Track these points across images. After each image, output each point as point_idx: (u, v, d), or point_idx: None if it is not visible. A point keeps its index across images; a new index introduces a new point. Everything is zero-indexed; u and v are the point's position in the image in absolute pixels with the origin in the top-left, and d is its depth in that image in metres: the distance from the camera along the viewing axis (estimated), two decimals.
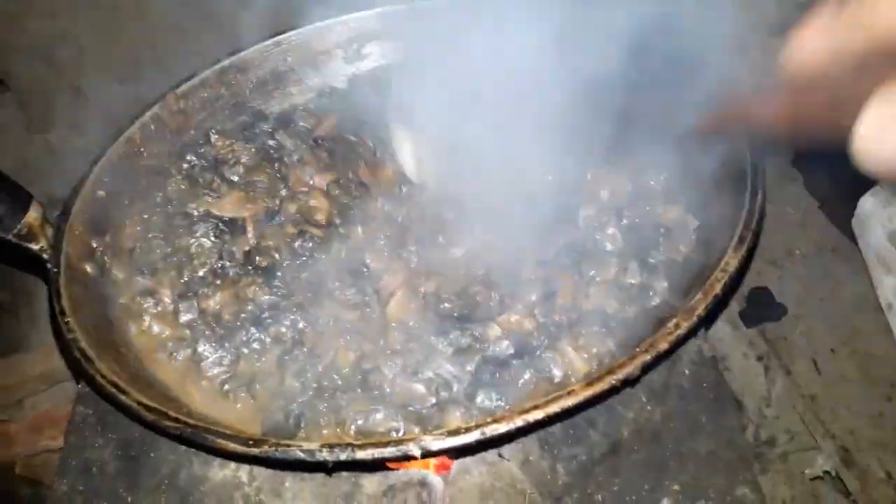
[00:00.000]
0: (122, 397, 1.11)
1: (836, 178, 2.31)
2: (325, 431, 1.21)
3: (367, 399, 1.22)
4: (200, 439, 1.04)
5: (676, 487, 1.23)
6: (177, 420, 1.06)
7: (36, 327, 2.61)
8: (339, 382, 1.27)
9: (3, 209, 1.29)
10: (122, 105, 2.37)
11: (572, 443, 1.25)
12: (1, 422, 2.28)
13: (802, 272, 2.23)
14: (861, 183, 2.12)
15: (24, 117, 2.63)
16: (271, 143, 1.61)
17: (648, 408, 1.30)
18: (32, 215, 1.34)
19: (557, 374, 1.20)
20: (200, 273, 1.46)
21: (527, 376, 1.21)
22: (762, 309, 2.16)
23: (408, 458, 0.98)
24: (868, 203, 2.05)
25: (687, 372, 1.35)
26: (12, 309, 2.54)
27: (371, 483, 1.27)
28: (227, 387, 1.31)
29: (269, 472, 1.28)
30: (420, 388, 1.20)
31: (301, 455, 0.99)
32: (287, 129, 1.65)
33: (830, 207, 2.34)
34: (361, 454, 0.98)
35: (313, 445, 0.99)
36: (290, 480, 1.28)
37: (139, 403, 1.10)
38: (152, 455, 1.31)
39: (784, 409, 2.03)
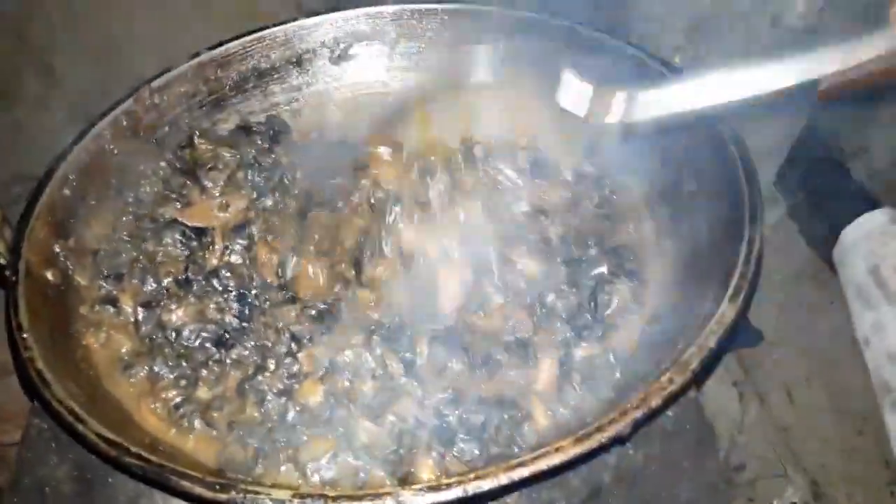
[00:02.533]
0: (80, 427, 1.04)
1: (818, 203, 2.30)
2: (283, 468, 1.15)
3: (331, 437, 1.17)
4: (164, 480, 0.98)
5: None
6: (139, 457, 1.00)
7: None
8: (303, 416, 1.21)
9: None
10: (92, 85, 2.30)
11: (551, 487, 1.21)
12: None
13: (780, 298, 2.22)
14: (843, 211, 2.11)
15: None
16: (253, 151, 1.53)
17: (630, 451, 1.26)
18: None
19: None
20: (165, 283, 1.39)
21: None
22: (738, 333, 2.14)
23: None
24: (851, 234, 2.03)
25: (670, 413, 1.31)
26: None
27: None
28: (181, 411, 1.25)
29: None
30: (383, 431, 1.15)
31: None
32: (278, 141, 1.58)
33: (810, 233, 2.33)
34: None
35: (284, 495, 0.94)
36: None
37: (98, 436, 1.03)
38: (110, 480, 1.24)
39: (756, 436, 2.02)
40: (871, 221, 1.97)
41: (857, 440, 1.95)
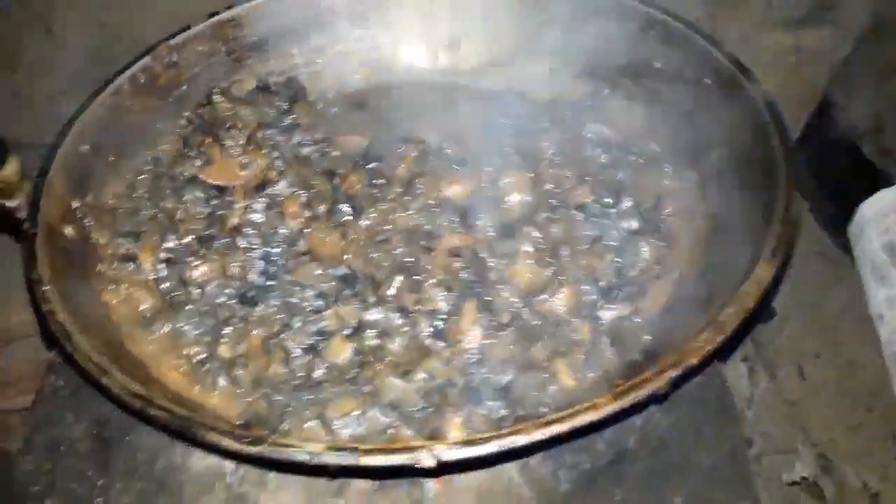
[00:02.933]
0: (105, 379, 1.02)
1: (830, 181, 2.29)
2: (309, 424, 1.14)
3: (357, 395, 1.15)
4: (190, 433, 0.96)
5: (679, 500, 1.19)
6: (165, 409, 0.98)
7: None
8: (331, 373, 1.19)
9: None
10: (94, 51, 2.26)
11: (576, 449, 1.20)
12: None
13: (790, 275, 2.21)
14: (855, 190, 2.10)
15: None
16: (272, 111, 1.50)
17: (657, 415, 1.25)
18: (10, 168, 1.23)
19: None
20: (186, 240, 1.37)
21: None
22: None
23: (418, 469, 0.91)
24: (867, 210, 2.02)
25: (696, 379, 1.31)
26: None
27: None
28: (205, 367, 1.23)
29: None
30: (412, 388, 1.13)
31: (303, 457, 0.92)
32: (297, 100, 1.55)
33: (821, 211, 2.32)
34: (367, 460, 0.91)
35: (317, 447, 0.92)
36: (274, 471, 1.21)
37: (123, 388, 1.01)
38: (128, 438, 1.23)
39: (765, 411, 2.02)
40: (887, 197, 1.96)
41: (866, 416, 1.94)
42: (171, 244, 1.35)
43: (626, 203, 1.36)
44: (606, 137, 1.56)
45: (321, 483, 1.19)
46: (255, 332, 1.25)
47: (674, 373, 0.97)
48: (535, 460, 1.20)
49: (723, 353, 1.03)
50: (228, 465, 1.20)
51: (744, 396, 2.05)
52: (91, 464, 1.23)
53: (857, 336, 2.03)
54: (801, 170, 2.34)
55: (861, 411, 1.96)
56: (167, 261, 1.33)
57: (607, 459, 1.21)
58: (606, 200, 1.37)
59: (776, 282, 1.07)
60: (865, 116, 2.46)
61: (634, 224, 1.35)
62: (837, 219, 2.11)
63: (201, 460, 1.20)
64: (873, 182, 2.16)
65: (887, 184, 2.14)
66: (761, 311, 1.05)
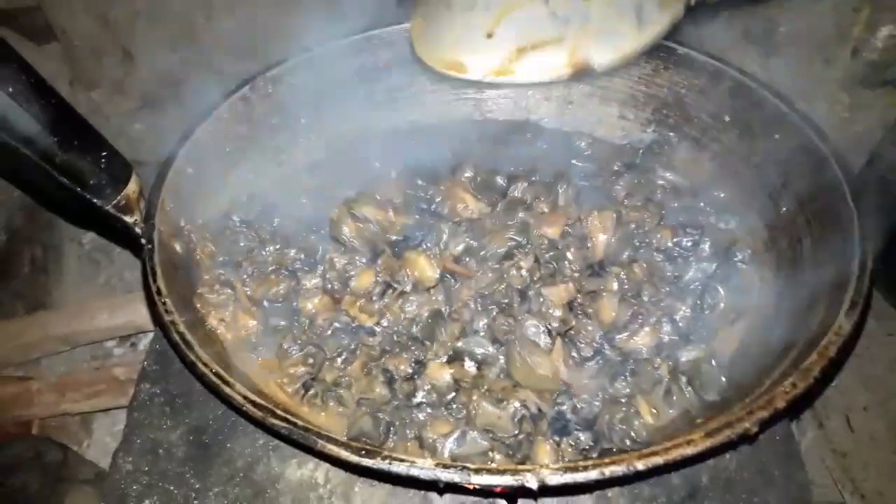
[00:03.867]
0: (227, 389, 1.09)
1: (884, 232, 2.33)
2: (410, 443, 1.20)
3: (452, 419, 1.21)
4: (310, 442, 1.02)
5: None
6: (286, 420, 1.05)
7: (61, 285, 2.57)
8: (431, 397, 1.26)
9: (106, 179, 1.25)
10: (167, 74, 2.37)
11: (653, 483, 1.25)
12: (22, 379, 2.24)
13: None
14: None
15: (70, 72, 2.60)
16: None
17: (727, 455, 1.30)
18: (132, 187, 1.31)
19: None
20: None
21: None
22: None
23: (524, 490, 0.97)
24: None
25: None
26: (42, 265, 2.50)
27: (443, 497, 1.26)
28: (312, 390, 1.30)
29: (344, 475, 1.27)
30: (505, 415, 1.19)
31: (416, 473, 0.98)
32: None
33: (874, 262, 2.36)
34: (477, 479, 0.97)
35: (429, 463, 0.98)
36: (359, 485, 1.27)
37: (245, 398, 1.08)
38: (228, 445, 1.29)
39: (812, 461, 2.05)
40: None
41: None
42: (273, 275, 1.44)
43: (705, 247, 1.42)
44: (676, 184, 1.64)
45: (403, 500, 1.25)
46: (357, 357, 1.33)
47: (763, 414, 1.03)
48: (613, 492, 1.25)
49: (807, 396, 1.08)
50: (321, 476, 1.27)
51: None
52: (189, 468, 1.29)
53: None
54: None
55: None
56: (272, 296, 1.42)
57: (681, 496, 1.26)
58: (687, 243, 1.43)
59: (856, 334, 1.13)
60: None
61: (712, 268, 1.40)
62: (887, 276, 2.14)
63: (296, 471, 1.27)
64: None
65: None
66: (842, 362, 1.10)
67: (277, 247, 1.47)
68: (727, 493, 1.27)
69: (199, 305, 1.35)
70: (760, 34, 2.06)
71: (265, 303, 1.41)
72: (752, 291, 1.42)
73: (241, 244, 1.48)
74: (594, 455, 1.16)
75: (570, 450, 1.17)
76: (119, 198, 1.29)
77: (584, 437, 1.17)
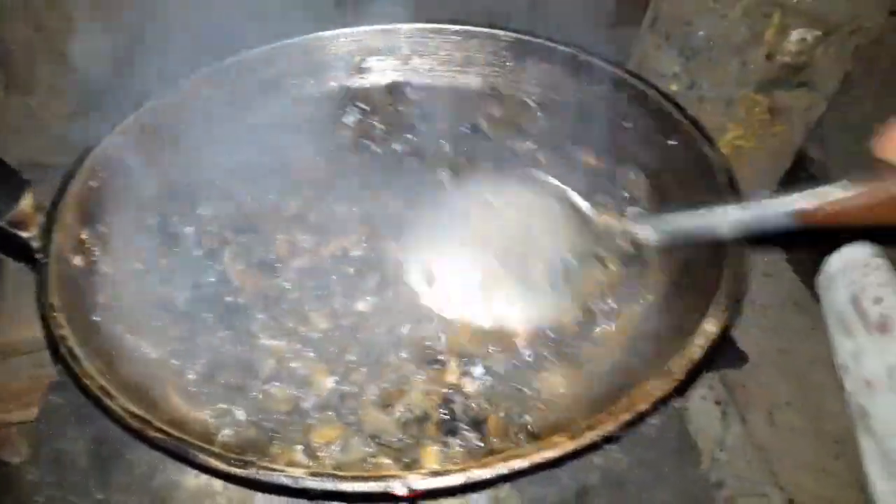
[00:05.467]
0: (109, 402, 1.11)
1: (806, 230, 2.38)
2: (296, 447, 1.23)
3: (341, 424, 1.24)
4: (184, 453, 1.05)
5: None
6: (163, 431, 1.07)
7: (2, 294, 2.56)
8: (315, 401, 1.28)
9: None
10: (107, 74, 2.36)
11: (543, 483, 1.29)
12: None
13: (764, 322, 2.30)
14: (829, 239, 2.20)
15: (4, 77, 2.58)
16: None
17: (616, 455, 1.34)
18: (27, 202, 1.32)
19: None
20: None
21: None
22: (724, 354, 2.22)
23: (391, 496, 1.00)
24: (835, 263, 2.11)
25: (654, 422, 1.40)
26: None
27: None
28: (205, 390, 1.32)
29: None
30: (391, 420, 1.22)
31: (285, 481, 1.01)
32: None
33: (796, 260, 2.42)
34: (345, 486, 1.00)
35: (298, 472, 1.01)
36: (260, 493, 1.29)
37: (125, 410, 1.10)
38: (126, 455, 1.31)
39: (736, 455, 2.09)
40: (854, 252, 2.05)
41: (834, 463, 2.02)
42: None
43: None
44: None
45: None
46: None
47: (625, 417, 1.06)
48: (503, 492, 1.29)
49: (670, 397, 1.12)
50: (218, 484, 1.29)
51: (717, 439, 2.12)
52: (91, 478, 1.31)
53: (826, 384, 2.11)
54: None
55: (828, 457, 2.04)
56: None
57: (570, 494, 1.29)
58: None
59: (723, 336, 1.17)
60: (839, 171, 2.57)
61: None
62: (811, 269, 2.20)
63: (194, 479, 1.29)
64: (847, 234, 2.25)
65: (860, 236, 2.24)
66: (709, 362, 1.14)
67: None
68: (617, 491, 1.31)
69: (97, 319, 1.36)
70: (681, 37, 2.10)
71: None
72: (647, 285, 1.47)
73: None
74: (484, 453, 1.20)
75: (459, 450, 1.20)
76: (13, 213, 1.30)
77: (471, 436, 1.20)
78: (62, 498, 1.30)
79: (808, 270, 2.28)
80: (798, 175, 2.42)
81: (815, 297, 2.21)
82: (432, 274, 1.45)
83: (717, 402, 2.14)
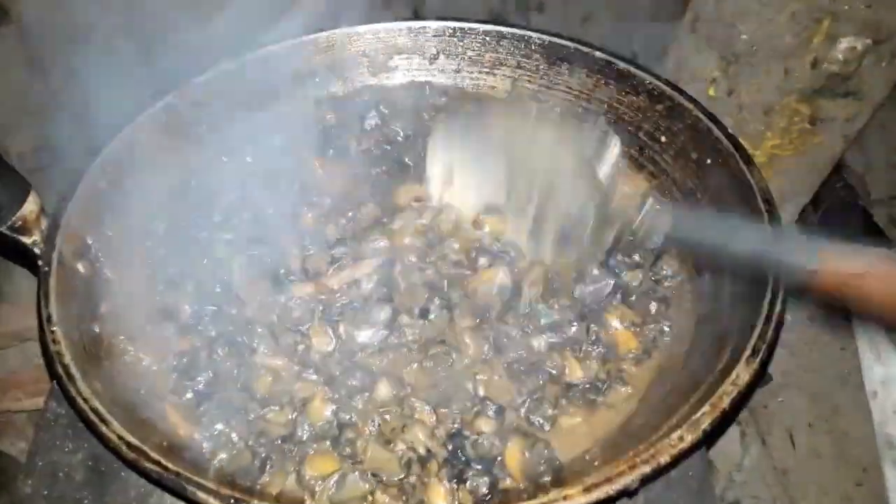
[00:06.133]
0: (103, 428, 1.07)
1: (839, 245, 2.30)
2: (289, 477, 1.18)
3: (338, 457, 1.20)
4: (179, 488, 1.01)
5: None
6: (157, 463, 1.03)
7: (10, 279, 2.55)
8: (312, 432, 1.24)
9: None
10: (130, 57, 2.31)
11: None
12: None
13: (791, 340, 2.22)
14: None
15: (25, 55, 2.54)
16: None
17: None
18: (29, 207, 1.28)
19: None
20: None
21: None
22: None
23: None
24: None
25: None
26: None
27: None
28: (201, 409, 1.28)
29: None
30: (393, 458, 1.17)
31: None
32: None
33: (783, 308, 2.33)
34: None
35: None
36: None
37: (119, 438, 1.06)
38: (122, 474, 1.27)
39: (754, 476, 2.04)
40: None
41: (855, 490, 1.96)
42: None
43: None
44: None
45: None
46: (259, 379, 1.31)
47: (645, 469, 1.00)
48: None
49: (696, 449, 1.05)
50: None
51: (734, 461, 2.07)
52: (87, 494, 1.27)
53: (853, 407, 2.04)
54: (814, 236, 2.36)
55: (850, 484, 1.98)
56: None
57: None
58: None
59: (753, 384, 1.10)
60: (879, 184, 2.48)
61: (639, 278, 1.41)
62: None
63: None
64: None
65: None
66: (738, 411, 1.07)
67: None
68: None
69: (98, 329, 1.32)
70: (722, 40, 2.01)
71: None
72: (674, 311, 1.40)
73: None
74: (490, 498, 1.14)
75: (467, 495, 1.14)
76: (14, 218, 1.26)
77: (480, 483, 1.15)
78: None
79: None
80: (834, 185, 2.33)
81: (845, 315, 2.13)
82: (451, 174, 1.45)
83: (738, 422, 2.09)
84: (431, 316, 1.36)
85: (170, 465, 1.03)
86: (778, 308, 1.17)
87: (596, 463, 1.15)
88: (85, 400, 1.10)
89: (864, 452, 2.00)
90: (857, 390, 2.05)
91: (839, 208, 2.35)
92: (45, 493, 1.28)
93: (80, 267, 1.35)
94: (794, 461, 2.02)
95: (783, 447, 2.05)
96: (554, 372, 1.30)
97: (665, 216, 1.41)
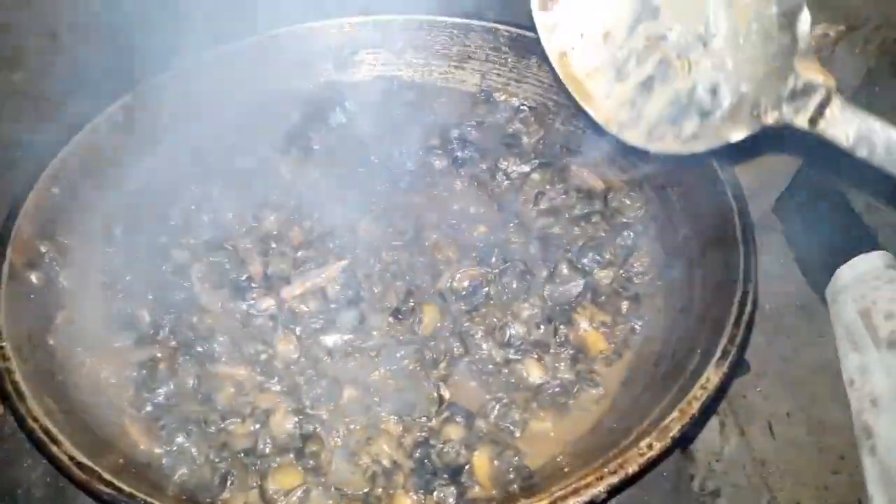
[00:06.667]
0: (53, 448, 1.03)
1: (816, 233, 2.29)
2: (251, 493, 1.15)
3: (301, 470, 1.17)
4: None
5: None
6: (110, 484, 0.99)
7: None
8: (274, 444, 1.21)
9: None
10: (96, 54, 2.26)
11: None
12: None
13: (769, 327, 2.21)
14: (839, 244, 2.10)
15: None
16: None
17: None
18: None
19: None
20: None
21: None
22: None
23: None
24: (844, 275, 2.02)
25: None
26: None
27: None
28: (161, 422, 1.24)
29: None
30: (357, 472, 1.15)
31: None
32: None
33: (805, 262, 2.32)
34: None
35: None
36: None
37: (70, 458, 1.02)
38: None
39: (734, 466, 2.03)
40: (865, 263, 1.96)
41: (833, 478, 1.95)
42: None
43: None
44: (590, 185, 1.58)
45: None
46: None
47: (612, 480, 0.98)
48: None
49: (669, 453, 1.03)
50: None
51: (714, 451, 2.06)
52: None
53: (830, 395, 2.03)
54: (789, 219, 2.35)
55: (827, 473, 1.97)
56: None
57: None
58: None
59: (724, 386, 1.07)
60: (855, 170, 2.45)
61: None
62: (823, 271, 2.11)
63: None
64: (859, 236, 2.16)
65: (872, 239, 2.14)
66: (709, 414, 1.05)
67: None
68: None
69: (52, 342, 1.28)
70: None
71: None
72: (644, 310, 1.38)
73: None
74: None
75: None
76: None
77: (446, 493, 1.12)
78: None
79: (817, 272, 2.19)
80: (810, 172, 2.32)
81: (823, 301, 2.12)
82: None
83: (717, 413, 2.07)
84: (400, 317, 1.33)
85: (123, 487, 0.99)
86: (748, 308, 1.14)
87: (566, 469, 1.13)
88: (34, 419, 1.06)
89: (841, 440, 1.99)
90: (834, 378, 2.04)
91: (816, 194, 2.33)
92: None
93: (33, 277, 1.31)
94: (772, 451, 2.01)
95: (762, 437, 2.03)
96: (523, 375, 1.27)
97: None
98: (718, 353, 1.10)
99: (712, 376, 1.07)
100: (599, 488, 0.98)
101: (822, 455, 1.98)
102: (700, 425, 0.99)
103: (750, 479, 1.98)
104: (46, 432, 1.05)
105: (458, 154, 1.62)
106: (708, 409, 1.07)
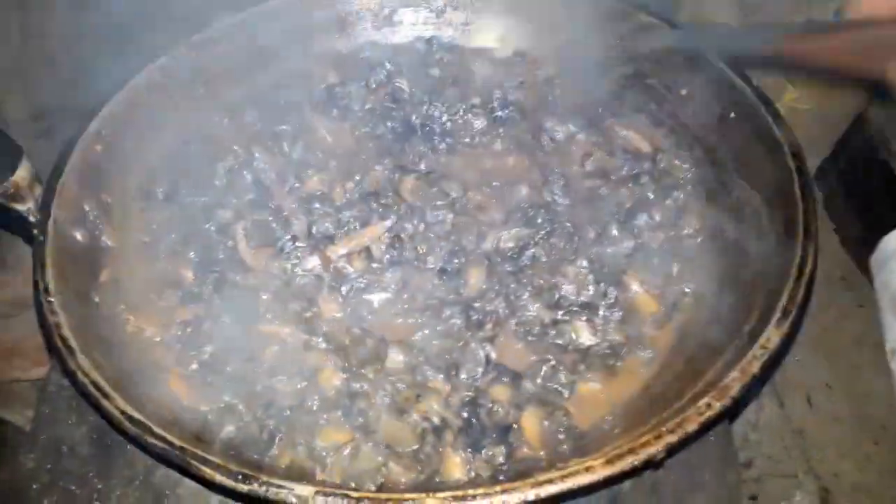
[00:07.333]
0: (104, 402, 1.03)
1: (857, 202, 2.24)
2: (299, 449, 1.14)
3: (349, 428, 1.16)
4: (184, 464, 0.97)
5: None
6: (162, 438, 0.99)
7: (13, 247, 2.50)
8: (322, 399, 1.20)
9: None
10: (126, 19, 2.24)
11: None
12: None
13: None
14: (883, 215, 2.06)
15: (21, 19, 2.47)
16: None
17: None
18: (21, 174, 1.22)
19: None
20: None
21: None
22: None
23: None
24: (893, 242, 1.97)
25: None
26: None
27: None
28: (208, 379, 1.24)
29: None
30: (406, 428, 1.13)
31: (293, 501, 0.92)
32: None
33: (845, 232, 2.28)
34: None
35: (307, 491, 0.92)
36: None
37: (121, 412, 1.02)
38: (129, 448, 1.23)
39: (770, 437, 2.00)
40: None
41: (873, 449, 1.93)
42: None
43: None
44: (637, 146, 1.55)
45: None
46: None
47: (671, 439, 0.96)
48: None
49: (728, 414, 1.01)
50: None
51: (748, 421, 2.03)
52: (92, 468, 1.24)
53: (871, 366, 2.00)
54: (830, 186, 2.30)
55: (868, 444, 1.94)
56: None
57: (601, 501, 1.20)
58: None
59: (785, 347, 1.05)
60: None
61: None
62: (863, 241, 2.07)
63: None
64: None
65: None
66: (768, 376, 1.02)
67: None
68: (651, 497, 1.21)
69: (97, 299, 1.27)
70: None
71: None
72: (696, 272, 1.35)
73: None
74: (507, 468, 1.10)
75: (483, 464, 1.10)
76: (6, 185, 1.20)
77: (496, 452, 1.11)
78: (60, 486, 1.23)
79: (858, 243, 2.15)
80: (853, 139, 2.26)
81: (864, 272, 2.08)
82: None
83: None
84: (445, 277, 1.31)
85: (174, 440, 0.98)
86: (809, 266, 1.11)
87: (616, 430, 1.11)
88: (85, 374, 1.06)
89: (882, 411, 1.96)
90: (875, 349, 2.00)
91: (859, 163, 2.28)
92: (49, 467, 1.25)
93: (78, 235, 1.31)
94: (811, 422, 1.99)
95: (801, 409, 2.01)
96: (572, 336, 1.25)
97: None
98: (779, 313, 1.07)
99: (773, 335, 1.05)
100: (658, 447, 0.96)
101: (862, 425, 1.96)
102: (758, 388, 0.96)
103: (788, 450, 1.96)
104: (96, 386, 1.05)
105: (499, 113, 1.59)
106: (768, 372, 1.04)
